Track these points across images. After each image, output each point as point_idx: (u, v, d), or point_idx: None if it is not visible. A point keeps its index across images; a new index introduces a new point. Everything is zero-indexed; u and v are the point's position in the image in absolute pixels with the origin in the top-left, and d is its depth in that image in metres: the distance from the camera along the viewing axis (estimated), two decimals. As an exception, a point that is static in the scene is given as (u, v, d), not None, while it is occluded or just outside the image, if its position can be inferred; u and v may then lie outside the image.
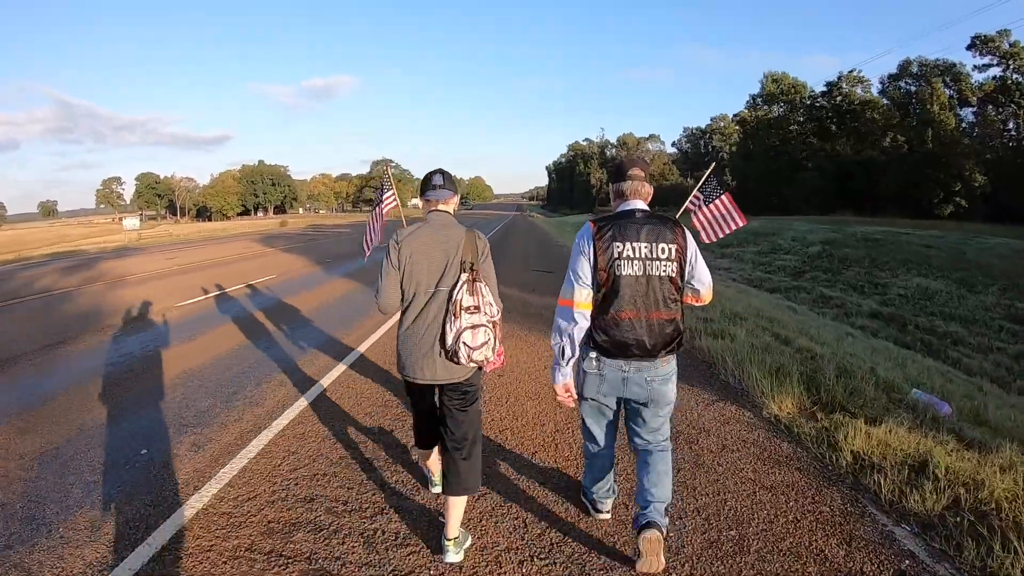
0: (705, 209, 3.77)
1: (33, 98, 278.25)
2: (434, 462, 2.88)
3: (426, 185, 2.56)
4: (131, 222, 53.12)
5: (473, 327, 2.36)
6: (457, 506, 2.50)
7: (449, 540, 2.51)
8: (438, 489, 2.92)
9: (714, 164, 3.88)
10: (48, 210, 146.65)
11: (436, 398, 2.60)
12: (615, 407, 2.59)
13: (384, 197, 4.06)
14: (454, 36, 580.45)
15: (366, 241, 4.22)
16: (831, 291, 16.91)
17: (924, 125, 49.39)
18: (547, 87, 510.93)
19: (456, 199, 2.62)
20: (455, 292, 2.38)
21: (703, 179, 3.79)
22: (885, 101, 53.33)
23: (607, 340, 2.34)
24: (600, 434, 2.66)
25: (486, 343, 2.38)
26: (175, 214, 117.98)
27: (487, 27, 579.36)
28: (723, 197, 3.79)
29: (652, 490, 2.39)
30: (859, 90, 55.20)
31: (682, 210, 3.64)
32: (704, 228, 3.73)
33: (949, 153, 46.24)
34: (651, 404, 2.44)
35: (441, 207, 2.55)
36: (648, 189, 2.46)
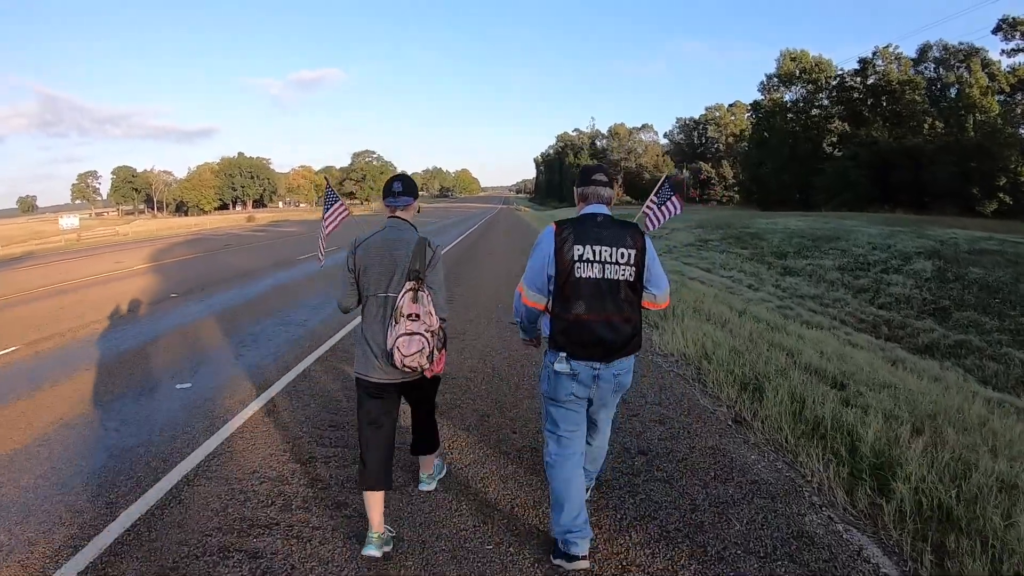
0: (657, 211, 4.01)
1: (16, 92, 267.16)
2: (375, 511, 2.62)
3: (387, 191, 2.65)
4: (68, 221, 47.53)
5: (410, 334, 2.40)
6: (425, 460, 3.10)
7: (425, 474, 3.14)
8: (373, 550, 2.59)
9: (665, 176, 4.23)
10: (28, 205, 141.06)
11: (384, 406, 2.66)
12: (585, 408, 2.58)
13: (335, 207, 3.86)
14: (442, 28, 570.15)
15: (320, 250, 4.12)
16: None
17: (965, 111, 44.56)
18: (536, 79, 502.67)
19: (416, 204, 2.72)
20: (399, 298, 2.45)
21: (658, 186, 4.03)
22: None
23: (570, 341, 2.38)
24: (572, 442, 2.59)
25: (420, 351, 2.42)
26: (153, 208, 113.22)
27: (475, 19, 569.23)
28: (673, 199, 4.03)
29: (589, 467, 2.81)
30: (896, 68, 48.96)
31: (639, 215, 3.83)
32: (651, 221, 3.92)
33: (993, 143, 41.12)
34: (614, 394, 2.55)
35: (400, 214, 2.65)
36: (610, 193, 2.53)
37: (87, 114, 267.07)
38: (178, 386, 5.03)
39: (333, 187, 4.25)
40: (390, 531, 2.71)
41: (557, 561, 2.55)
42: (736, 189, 71.67)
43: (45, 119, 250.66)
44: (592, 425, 2.69)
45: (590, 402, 2.55)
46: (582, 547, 2.49)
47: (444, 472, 3.29)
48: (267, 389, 4.76)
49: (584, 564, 2.49)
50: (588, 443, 2.72)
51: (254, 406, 4.41)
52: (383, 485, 2.62)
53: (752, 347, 6.03)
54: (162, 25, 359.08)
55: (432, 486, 3.14)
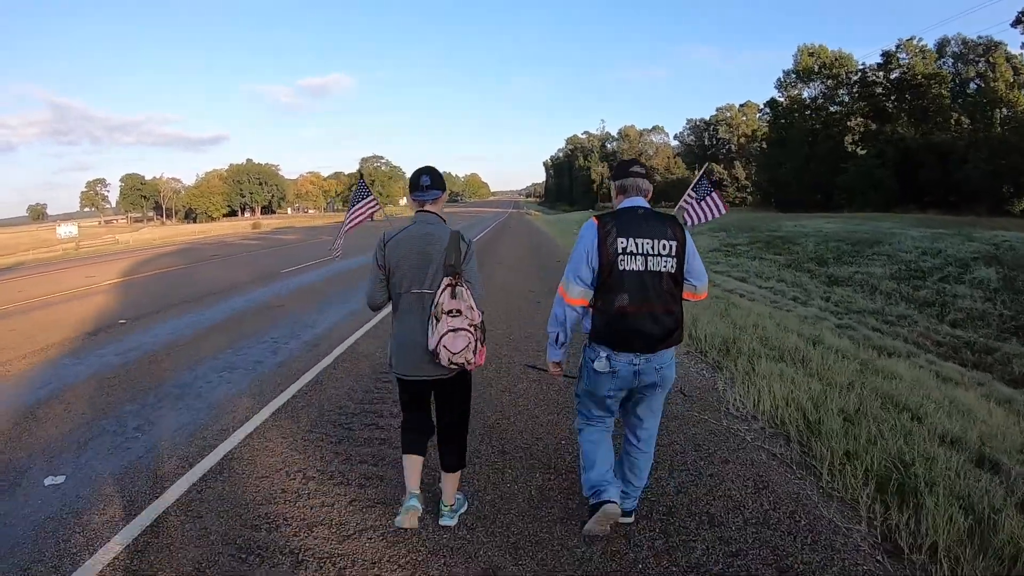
0: (697, 206, 3.87)
1: (28, 101, 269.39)
2: (413, 476, 2.71)
3: (415, 185, 2.55)
4: (66, 229, 46.85)
5: (454, 331, 2.34)
6: (448, 480, 2.75)
7: (445, 506, 2.77)
8: (402, 520, 2.65)
9: (707, 165, 4.21)
10: (37, 213, 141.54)
11: (422, 397, 2.69)
12: (620, 403, 2.56)
13: (366, 200, 3.84)
14: (450, 33, 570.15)
15: (337, 243, 4.22)
16: None
17: (990, 106, 42.90)
18: (546, 82, 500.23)
19: (445, 196, 2.62)
20: (437, 295, 2.39)
21: (696, 180, 3.94)
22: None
23: (612, 334, 2.34)
24: (601, 436, 2.60)
25: (467, 347, 2.36)
26: (162, 216, 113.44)
27: (482, 24, 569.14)
28: (713, 194, 3.93)
29: (634, 481, 2.66)
30: (921, 61, 46.59)
31: (677, 207, 3.82)
32: (690, 216, 3.81)
33: (1023, 138, 39.00)
34: (659, 388, 2.48)
35: (428, 208, 2.55)
36: (648, 185, 2.50)
37: (98, 123, 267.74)
38: (47, 481, 3.45)
39: (367, 183, 4.26)
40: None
41: (588, 526, 2.47)
42: (749, 190, 69.69)
43: (56, 128, 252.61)
44: (636, 421, 2.61)
45: (629, 395, 2.51)
46: (612, 492, 2.46)
47: (465, 507, 2.91)
48: (160, 496, 3.16)
49: (616, 509, 2.43)
50: (633, 443, 2.66)
51: (131, 530, 2.81)
52: (421, 452, 2.72)
53: (858, 402, 4.39)
54: (173, 34, 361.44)
55: (454, 521, 2.79)
